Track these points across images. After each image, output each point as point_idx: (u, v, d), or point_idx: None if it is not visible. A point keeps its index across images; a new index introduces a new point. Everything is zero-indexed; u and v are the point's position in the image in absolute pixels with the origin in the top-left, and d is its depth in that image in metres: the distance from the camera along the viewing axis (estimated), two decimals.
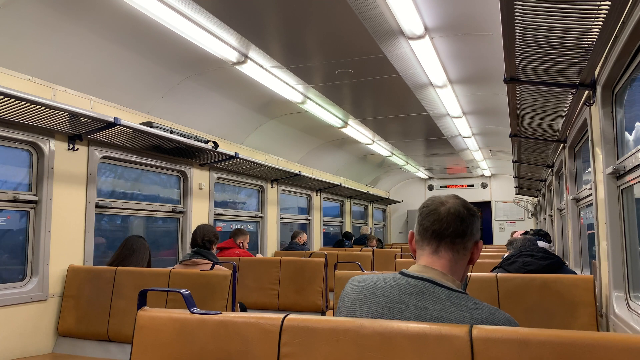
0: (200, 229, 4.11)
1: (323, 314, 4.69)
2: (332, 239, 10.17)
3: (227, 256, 5.33)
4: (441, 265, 1.44)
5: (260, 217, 7.25)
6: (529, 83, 2.86)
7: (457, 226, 1.44)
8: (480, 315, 1.32)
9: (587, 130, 3.36)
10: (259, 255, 6.62)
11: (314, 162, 8.78)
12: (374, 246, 9.38)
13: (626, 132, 2.75)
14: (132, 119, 4.30)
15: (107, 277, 3.76)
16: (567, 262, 5.15)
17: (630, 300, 2.68)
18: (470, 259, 1.49)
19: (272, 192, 7.46)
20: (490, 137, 8.21)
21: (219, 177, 6.09)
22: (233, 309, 3.47)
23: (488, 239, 13.55)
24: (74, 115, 3.50)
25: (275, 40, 4.15)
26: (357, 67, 4.70)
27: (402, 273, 1.45)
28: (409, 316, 1.35)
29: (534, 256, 3.37)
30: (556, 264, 3.34)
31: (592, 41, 2.15)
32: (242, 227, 6.22)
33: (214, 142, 5.14)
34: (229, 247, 5.54)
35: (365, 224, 12.14)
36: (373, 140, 8.34)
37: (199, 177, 5.70)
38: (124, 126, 3.86)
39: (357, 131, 7.54)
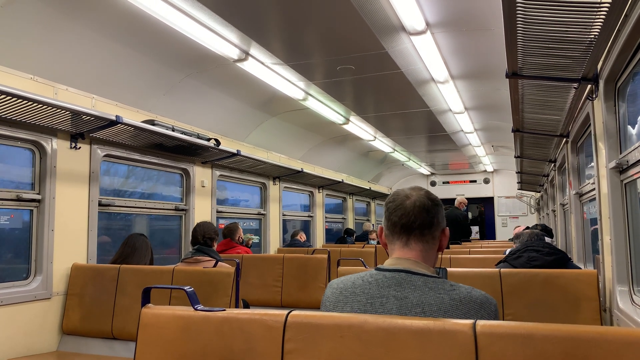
0: (200, 226, 4.11)
1: None
2: (335, 236, 10.18)
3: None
4: (413, 256, 1.49)
5: (262, 214, 7.26)
6: (531, 78, 2.85)
7: (424, 218, 1.50)
8: (459, 295, 1.37)
9: (590, 124, 3.35)
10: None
11: (316, 159, 8.77)
12: (374, 239, 9.40)
13: (629, 126, 2.74)
14: (134, 117, 4.30)
15: (110, 275, 3.77)
16: (571, 258, 5.15)
17: (634, 294, 2.67)
18: (439, 246, 1.55)
19: (274, 189, 7.46)
20: (493, 133, 8.20)
21: (221, 175, 6.09)
22: (236, 306, 3.47)
23: (491, 234, 13.54)
24: (75, 114, 3.50)
25: (276, 37, 4.15)
26: (359, 64, 4.69)
27: (377, 269, 1.50)
28: (391, 308, 1.39)
29: (539, 251, 3.35)
30: (562, 260, 3.32)
31: (595, 35, 2.14)
32: (231, 223, 5.93)
33: (216, 140, 5.14)
34: (228, 247, 5.46)
35: (368, 220, 12.15)
36: (375, 137, 8.33)
37: (201, 175, 5.70)
38: (126, 124, 3.86)
39: (359, 128, 7.53)
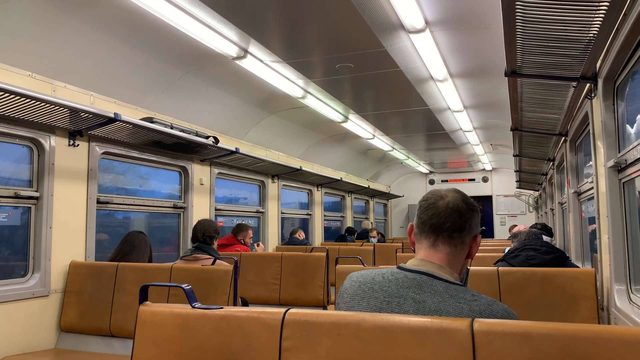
0: (201, 224, 4.11)
1: (324, 308, 4.70)
2: (333, 234, 10.18)
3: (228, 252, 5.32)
4: (439, 258, 1.44)
5: (261, 212, 7.26)
6: (530, 76, 2.85)
7: (455, 220, 1.44)
8: (479, 307, 1.32)
9: (589, 123, 3.35)
10: (259, 246, 6.53)
11: (315, 157, 8.77)
12: (375, 237, 9.39)
13: (627, 125, 2.74)
14: (132, 115, 4.29)
15: (109, 273, 3.77)
16: (569, 257, 5.15)
17: (632, 293, 2.68)
18: (469, 253, 1.49)
19: (273, 187, 7.46)
20: (491, 131, 8.20)
21: (219, 173, 6.09)
22: (235, 304, 3.47)
23: (489, 233, 13.55)
24: (74, 111, 3.50)
25: (275, 34, 4.14)
26: (358, 62, 4.69)
27: (400, 267, 1.46)
28: (408, 310, 1.36)
29: (537, 250, 3.36)
30: (560, 259, 3.32)
31: (594, 34, 2.14)
32: (243, 222, 6.18)
33: (215, 138, 5.14)
34: (230, 243, 5.52)
35: (366, 218, 12.15)
36: (374, 135, 8.33)
37: (200, 173, 5.70)
38: (124, 122, 3.86)
39: (357, 126, 7.53)
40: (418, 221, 1.50)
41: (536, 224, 5.52)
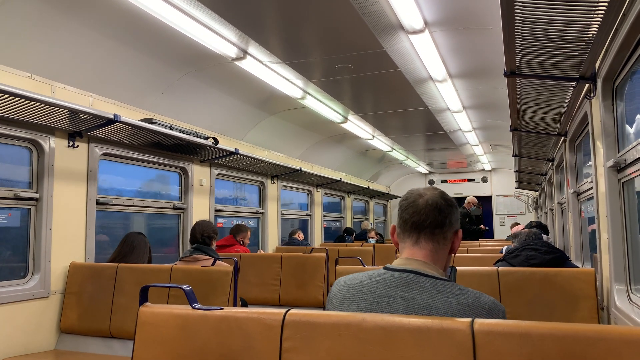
0: (199, 225, 4.10)
1: (324, 308, 4.70)
2: (333, 235, 10.18)
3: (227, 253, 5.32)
4: (423, 255, 1.47)
5: (261, 213, 7.25)
6: (529, 77, 2.85)
7: (435, 217, 1.48)
8: (467, 300, 1.35)
9: (588, 123, 3.35)
10: (260, 252, 6.64)
11: (315, 157, 8.77)
12: (373, 237, 9.40)
13: (627, 125, 2.74)
14: (132, 116, 4.29)
15: (108, 274, 3.77)
16: (569, 257, 5.15)
17: (632, 293, 2.68)
18: (451, 248, 1.53)
19: (272, 188, 7.46)
20: (491, 131, 8.20)
21: (219, 173, 6.09)
22: (235, 305, 3.47)
23: (489, 233, 13.54)
24: (73, 112, 3.50)
25: (275, 35, 4.14)
26: (357, 62, 4.69)
27: (386, 268, 1.49)
28: (398, 308, 1.38)
29: (538, 250, 3.37)
30: (560, 259, 3.33)
31: (593, 34, 2.15)
32: (242, 222, 6.20)
33: (214, 139, 5.14)
34: (229, 244, 5.52)
35: (366, 219, 12.14)
36: (373, 136, 8.33)
37: (200, 174, 5.69)
38: (123, 123, 3.86)
39: (357, 126, 7.53)
40: (400, 221, 1.54)
41: (531, 222, 5.54)
